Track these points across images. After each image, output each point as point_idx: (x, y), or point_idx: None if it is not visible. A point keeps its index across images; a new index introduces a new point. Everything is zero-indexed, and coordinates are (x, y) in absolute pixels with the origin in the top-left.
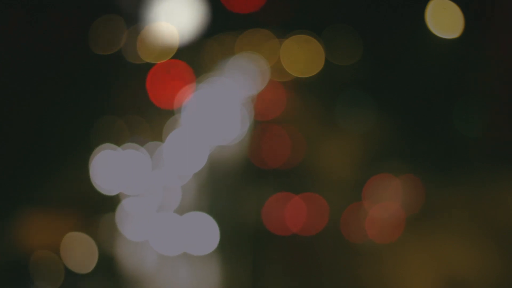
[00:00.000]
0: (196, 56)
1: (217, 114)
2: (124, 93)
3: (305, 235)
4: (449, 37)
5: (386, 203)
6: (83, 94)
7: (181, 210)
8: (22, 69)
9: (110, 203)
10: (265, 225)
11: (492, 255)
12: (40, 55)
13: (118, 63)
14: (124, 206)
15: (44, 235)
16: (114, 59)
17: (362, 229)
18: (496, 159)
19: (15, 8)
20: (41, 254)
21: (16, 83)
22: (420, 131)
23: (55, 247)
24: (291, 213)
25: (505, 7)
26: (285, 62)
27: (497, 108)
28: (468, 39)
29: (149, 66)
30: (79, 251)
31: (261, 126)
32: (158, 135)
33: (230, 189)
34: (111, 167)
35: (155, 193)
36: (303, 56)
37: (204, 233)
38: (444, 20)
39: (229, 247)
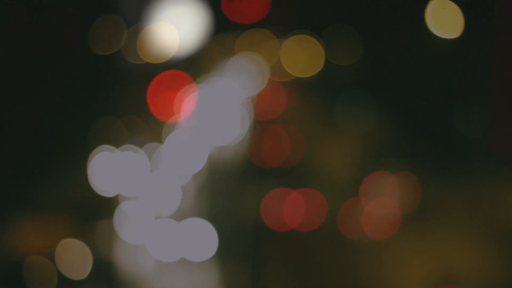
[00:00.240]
0: (196, 56)
1: (217, 114)
2: (123, 93)
3: (303, 231)
4: (449, 37)
5: (383, 200)
6: (82, 94)
7: (180, 213)
8: (22, 69)
9: (108, 206)
10: (264, 221)
11: (492, 255)
12: (40, 55)
13: (118, 63)
14: (122, 209)
15: (39, 240)
16: (114, 59)
17: (359, 225)
18: (496, 159)
19: (15, 8)
20: (35, 259)
21: (15, 83)
22: (420, 131)
23: (50, 252)
24: (289, 208)
25: (505, 7)
26: (285, 62)
27: (497, 108)
28: (468, 39)
29: (148, 66)
30: (74, 257)
31: (261, 126)
32: (157, 136)
33: (230, 189)
34: (109, 168)
35: (153, 195)
36: (303, 56)
37: (202, 239)
38: (444, 20)
39: (229, 247)
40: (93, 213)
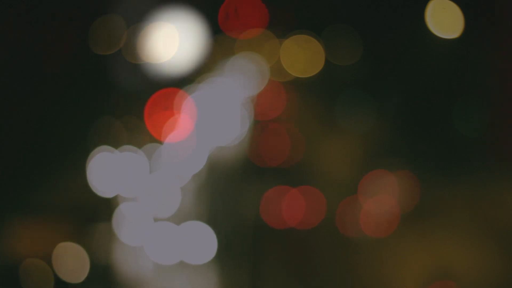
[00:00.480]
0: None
1: (217, 114)
2: (122, 94)
3: (302, 229)
4: (449, 37)
5: (382, 198)
6: (81, 94)
7: (179, 214)
8: (22, 69)
9: (107, 208)
10: (264, 220)
11: (492, 255)
12: (40, 55)
13: (118, 63)
14: (121, 211)
15: (36, 243)
16: (114, 59)
17: (358, 223)
18: (496, 159)
19: (15, 8)
20: (32, 262)
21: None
22: (420, 131)
23: (47, 255)
24: (289, 206)
25: (505, 7)
26: (285, 62)
27: (497, 108)
28: (468, 39)
29: (148, 66)
30: (71, 260)
31: (261, 126)
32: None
33: (230, 189)
34: (108, 169)
35: (153, 196)
36: (303, 56)
37: (202, 242)
38: (444, 20)
39: (228, 248)
40: (92, 215)
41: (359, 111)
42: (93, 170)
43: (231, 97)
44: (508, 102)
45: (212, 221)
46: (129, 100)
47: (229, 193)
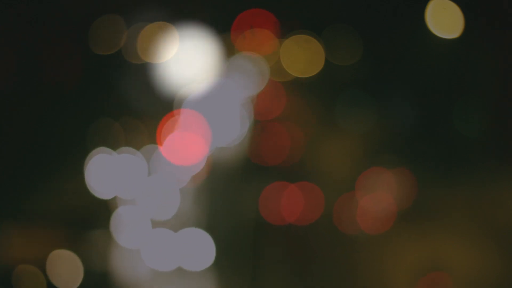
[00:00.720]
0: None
1: (217, 114)
2: (122, 94)
3: (301, 225)
4: (449, 37)
5: (380, 195)
6: (80, 95)
7: (178, 217)
8: (21, 69)
9: (105, 211)
10: (263, 217)
11: (492, 255)
12: (39, 56)
13: (118, 63)
14: (119, 214)
15: (30, 249)
16: (114, 59)
17: (355, 220)
18: (496, 159)
19: (15, 8)
20: (25, 268)
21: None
22: (420, 131)
23: (41, 261)
24: (287, 202)
25: (505, 7)
26: (285, 62)
27: (497, 108)
28: (468, 39)
29: (148, 66)
30: (66, 267)
31: (261, 126)
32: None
33: (230, 188)
34: (106, 171)
35: (151, 198)
36: (303, 56)
37: (200, 248)
38: (444, 20)
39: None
40: (90, 218)
41: (359, 111)
42: (91, 172)
43: (231, 97)
44: (508, 102)
45: (211, 224)
46: (128, 101)
47: (229, 193)
